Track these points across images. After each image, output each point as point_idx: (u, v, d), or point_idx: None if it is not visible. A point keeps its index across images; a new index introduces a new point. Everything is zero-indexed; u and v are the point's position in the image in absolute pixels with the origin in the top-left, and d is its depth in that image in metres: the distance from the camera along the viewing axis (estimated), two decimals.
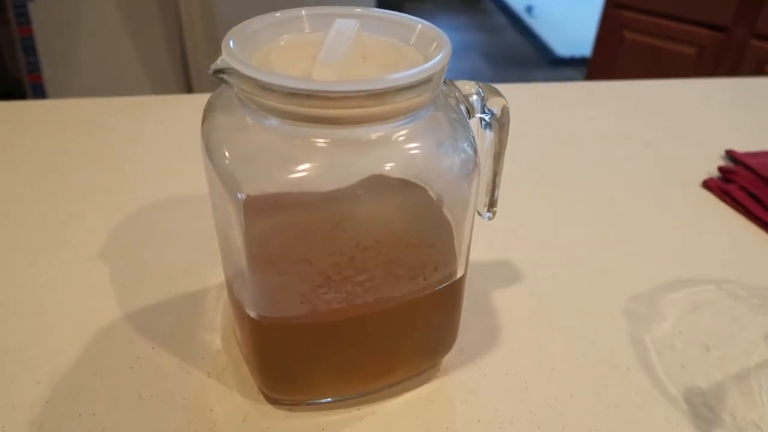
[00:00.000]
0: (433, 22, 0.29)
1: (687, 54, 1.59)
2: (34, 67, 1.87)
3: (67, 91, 1.87)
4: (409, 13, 0.30)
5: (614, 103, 0.69)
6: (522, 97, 0.68)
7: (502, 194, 0.48)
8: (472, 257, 0.42)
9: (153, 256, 0.42)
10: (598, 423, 0.32)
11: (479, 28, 3.29)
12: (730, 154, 0.56)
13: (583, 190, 0.52)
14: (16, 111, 0.62)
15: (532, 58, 2.98)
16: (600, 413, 0.33)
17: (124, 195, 0.49)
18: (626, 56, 1.69)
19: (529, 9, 3.39)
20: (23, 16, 1.78)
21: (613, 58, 1.73)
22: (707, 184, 0.52)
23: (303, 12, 0.29)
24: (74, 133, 0.58)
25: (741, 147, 0.57)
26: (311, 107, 0.24)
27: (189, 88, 1.89)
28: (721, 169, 0.53)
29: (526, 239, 0.46)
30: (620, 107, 0.67)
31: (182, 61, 1.88)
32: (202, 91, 1.82)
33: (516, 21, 3.36)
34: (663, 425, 0.32)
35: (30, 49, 1.83)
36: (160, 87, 1.92)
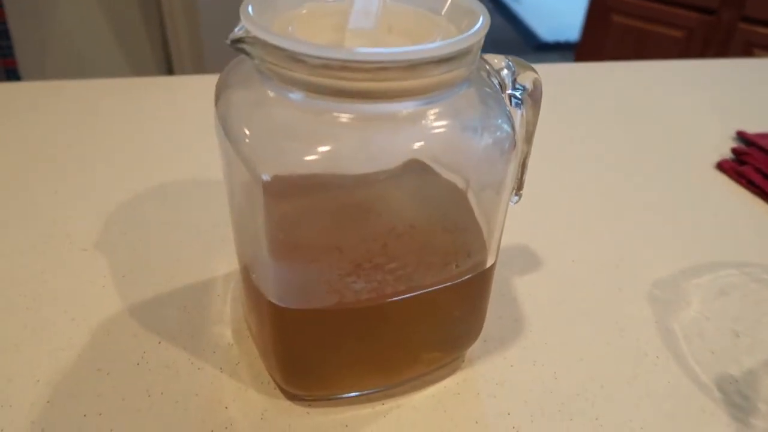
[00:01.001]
0: None
1: (675, 37, 1.58)
2: (8, 52, 1.80)
3: (43, 76, 1.81)
4: None
5: (611, 85, 0.67)
6: None
7: None
8: None
9: (152, 247, 0.40)
10: (631, 414, 0.31)
11: None
12: (742, 136, 0.54)
13: (596, 174, 0.51)
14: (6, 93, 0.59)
15: (517, 43, 2.96)
16: (633, 403, 0.31)
17: (117, 182, 0.46)
18: (614, 40, 1.68)
19: None
20: None
21: (601, 41, 1.72)
22: (721, 166, 0.51)
23: None
24: (59, 117, 0.55)
25: (748, 128, 0.56)
26: (342, 79, 0.22)
27: (170, 70, 1.84)
28: (734, 150, 0.52)
29: (542, 225, 0.44)
30: (619, 90, 0.66)
31: (162, 42, 1.83)
32: (183, 72, 1.78)
33: (500, 5, 3.34)
34: (698, 414, 0.31)
35: (3, 33, 1.76)
36: (139, 69, 1.87)
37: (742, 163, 0.51)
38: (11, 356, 0.32)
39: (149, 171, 0.48)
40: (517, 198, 0.33)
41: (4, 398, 0.30)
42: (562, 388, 0.32)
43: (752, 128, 0.56)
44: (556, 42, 2.90)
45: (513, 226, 0.43)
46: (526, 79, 0.29)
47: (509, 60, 0.29)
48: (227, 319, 0.35)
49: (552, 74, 0.68)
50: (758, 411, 0.31)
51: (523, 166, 0.32)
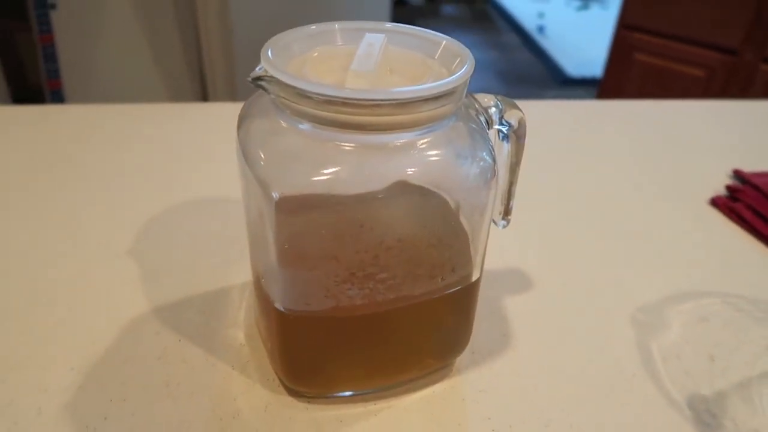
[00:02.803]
0: None
1: (697, 76, 1.60)
2: (54, 74, 1.91)
3: (85, 98, 1.91)
4: None
5: (624, 121, 0.70)
6: (536, 113, 0.70)
7: (516, 205, 0.49)
8: (486, 266, 0.44)
9: (178, 256, 0.44)
10: (604, 423, 0.33)
11: (492, 47, 3.33)
12: (738, 174, 0.57)
13: (594, 204, 0.54)
14: (43, 114, 0.65)
15: (544, 78, 3.00)
16: (606, 414, 0.34)
17: (150, 197, 0.51)
18: (636, 77, 1.71)
19: (540, 28, 3.43)
20: (45, 24, 1.82)
21: (623, 79, 1.75)
22: (715, 202, 0.53)
23: (336, 26, 0.31)
24: (101, 138, 0.60)
25: (748, 167, 0.58)
26: (343, 114, 0.26)
27: (204, 97, 1.92)
28: (728, 187, 0.55)
29: (538, 249, 0.47)
30: (630, 126, 0.69)
31: (199, 71, 1.92)
32: (217, 99, 1.86)
33: (528, 40, 3.40)
34: (666, 428, 0.33)
35: (50, 56, 1.87)
36: (175, 95, 1.95)
37: (735, 200, 0.53)
38: (50, 347, 0.36)
39: (180, 188, 0.52)
40: (504, 222, 0.36)
41: (42, 383, 0.34)
42: (541, 398, 0.35)
43: (755, 167, 0.58)
44: (582, 78, 2.94)
45: (509, 249, 0.46)
46: (512, 116, 0.33)
47: (498, 99, 0.33)
48: (240, 324, 0.38)
49: (555, 109, 0.72)
50: (724, 428, 0.34)
51: (509, 194, 0.35)
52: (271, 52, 0.28)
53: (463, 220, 0.30)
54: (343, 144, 0.27)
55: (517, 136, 0.33)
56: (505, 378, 0.36)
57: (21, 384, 0.34)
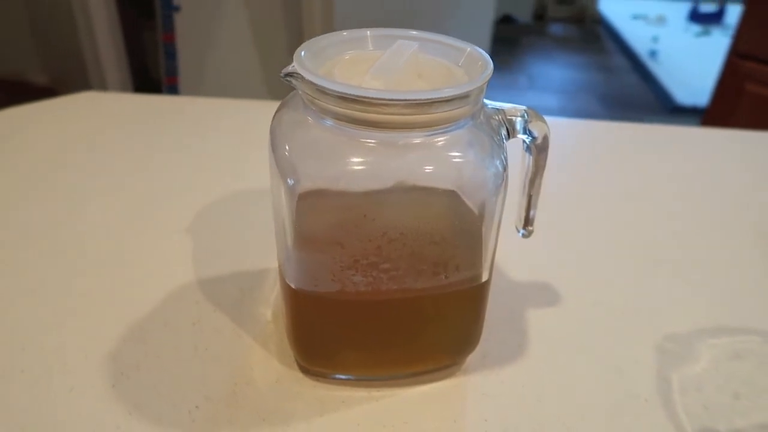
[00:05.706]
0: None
1: None
2: (172, 71, 2.08)
3: (198, 94, 2.06)
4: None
5: (707, 150, 0.67)
6: (617, 136, 0.69)
7: (563, 220, 0.49)
8: (514, 277, 0.45)
9: (225, 238, 0.48)
10: None
11: (597, 68, 3.23)
12: None
13: (648, 227, 0.52)
14: (149, 104, 0.72)
15: (650, 104, 2.88)
16: None
17: (213, 185, 0.56)
18: (745, 109, 1.60)
19: (653, 53, 3.29)
20: (169, 25, 1.99)
21: (731, 109, 1.65)
22: None
23: (368, 32, 0.33)
24: (185, 129, 0.66)
25: None
26: (359, 111, 0.28)
27: None
28: None
29: (573, 266, 0.47)
30: (710, 155, 0.66)
31: None
32: None
33: (637, 64, 3.27)
34: None
35: (171, 54, 2.04)
36: (277, 95, 2.07)
37: None
38: (105, 305, 0.41)
39: (246, 177, 0.57)
40: (524, 232, 0.37)
41: (94, 332, 0.38)
42: (544, 411, 0.35)
43: None
44: (693, 106, 2.78)
45: (543, 264, 0.46)
46: (536, 128, 0.34)
47: (525, 111, 0.34)
48: (271, 303, 0.41)
49: (646, 134, 0.70)
50: None
51: (529, 204, 0.36)
52: (304, 53, 0.31)
53: (476, 220, 0.31)
54: (361, 140, 0.29)
55: (538, 148, 0.34)
56: (511, 385, 0.36)
57: (74, 330, 0.39)
